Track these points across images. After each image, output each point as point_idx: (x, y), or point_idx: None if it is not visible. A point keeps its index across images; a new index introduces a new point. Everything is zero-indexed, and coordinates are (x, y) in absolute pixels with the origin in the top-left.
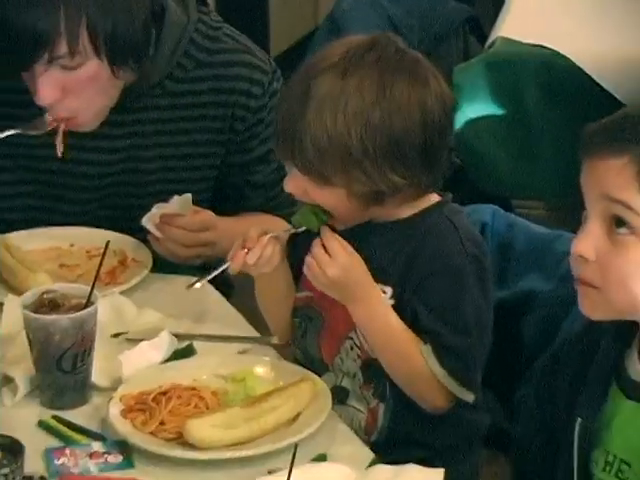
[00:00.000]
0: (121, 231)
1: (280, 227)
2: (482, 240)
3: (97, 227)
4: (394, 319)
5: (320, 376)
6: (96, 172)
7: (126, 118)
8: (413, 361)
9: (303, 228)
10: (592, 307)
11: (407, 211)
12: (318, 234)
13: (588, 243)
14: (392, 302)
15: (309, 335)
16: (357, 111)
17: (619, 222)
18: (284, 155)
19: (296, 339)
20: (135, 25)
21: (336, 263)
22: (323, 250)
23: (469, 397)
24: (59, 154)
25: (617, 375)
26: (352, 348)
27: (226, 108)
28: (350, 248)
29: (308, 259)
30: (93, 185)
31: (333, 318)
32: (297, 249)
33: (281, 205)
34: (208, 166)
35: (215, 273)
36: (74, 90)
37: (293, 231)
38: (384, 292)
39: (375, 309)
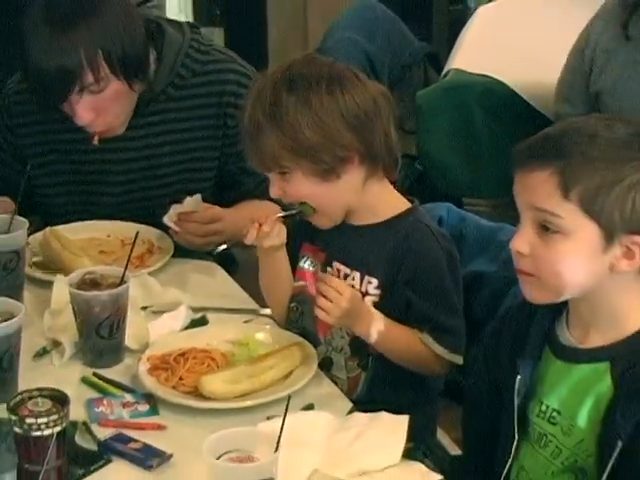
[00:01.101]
0: (146, 222)
1: (272, 210)
2: (449, 235)
3: (127, 218)
4: (389, 324)
5: (315, 346)
6: (121, 169)
7: (139, 122)
8: (415, 348)
9: (294, 211)
10: (533, 293)
11: (386, 213)
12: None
13: (523, 241)
14: (378, 292)
15: (306, 315)
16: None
17: (546, 226)
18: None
19: (293, 320)
20: (137, 43)
21: (345, 297)
22: (331, 289)
23: (460, 361)
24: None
25: (549, 340)
26: (341, 328)
27: (219, 108)
28: (347, 284)
29: (319, 300)
30: (119, 181)
31: None
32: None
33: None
34: (209, 158)
35: (230, 243)
36: (105, 108)
37: (294, 212)
38: (370, 282)
39: (375, 323)
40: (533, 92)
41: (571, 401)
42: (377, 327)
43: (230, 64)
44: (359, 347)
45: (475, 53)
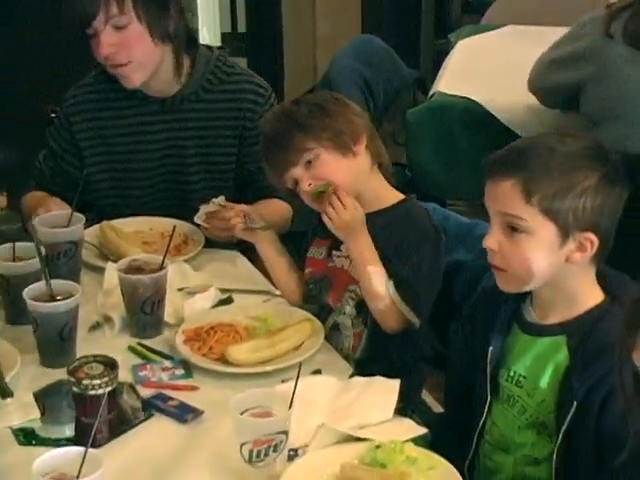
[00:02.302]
0: (181, 217)
1: (282, 209)
2: (437, 221)
3: (159, 208)
4: (375, 254)
5: (328, 316)
6: (151, 157)
7: (173, 117)
8: (381, 287)
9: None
10: (504, 284)
11: (388, 201)
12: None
13: (493, 240)
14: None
15: (323, 291)
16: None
17: (513, 227)
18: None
19: (311, 297)
20: (169, 13)
21: (348, 211)
22: (338, 202)
23: (415, 320)
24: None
25: (517, 318)
26: (351, 297)
27: (239, 112)
28: (356, 202)
29: (328, 209)
30: (151, 174)
31: (338, 279)
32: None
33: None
34: (229, 154)
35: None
36: (125, 45)
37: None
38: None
39: (367, 243)
40: (504, 112)
41: (534, 368)
42: (366, 248)
43: (250, 77)
44: (362, 308)
45: (456, 79)
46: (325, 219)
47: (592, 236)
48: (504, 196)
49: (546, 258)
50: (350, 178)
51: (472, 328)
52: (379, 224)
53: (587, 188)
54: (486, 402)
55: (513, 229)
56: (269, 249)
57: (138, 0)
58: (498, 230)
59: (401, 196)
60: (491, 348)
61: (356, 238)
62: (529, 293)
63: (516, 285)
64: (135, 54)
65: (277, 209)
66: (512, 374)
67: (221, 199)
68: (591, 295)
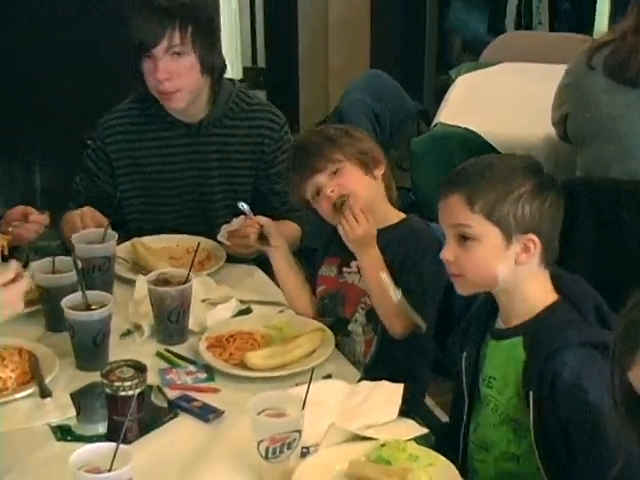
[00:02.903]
0: (205, 235)
1: (292, 229)
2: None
3: (184, 225)
4: (384, 265)
5: (345, 326)
6: (177, 177)
7: (199, 140)
8: (389, 295)
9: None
10: (462, 288)
11: (394, 219)
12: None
13: (449, 252)
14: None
15: (338, 305)
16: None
17: (463, 236)
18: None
19: (328, 310)
20: (216, 49)
21: (362, 225)
22: (352, 218)
23: (422, 324)
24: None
25: (489, 327)
26: (362, 307)
27: (257, 137)
28: (370, 217)
29: (344, 222)
30: (178, 192)
31: (350, 293)
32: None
33: (291, 209)
34: (247, 175)
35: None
36: (179, 73)
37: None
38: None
39: (377, 257)
40: (499, 140)
41: (501, 369)
42: (376, 261)
43: (267, 107)
44: (372, 316)
45: (456, 111)
46: (340, 231)
47: (534, 237)
48: (452, 209)
49: (495, 260)
50: (368, 194)
51: (460, 339)
52: (386, 239)
53: (523, 194)
54: (464, 405)
55: (464, 238)
56: (280, 260)
57: (196, 34)
58: (452, 242)
59: (403, 215)
60: (464, 354)
61: (367, 251)
62: (496, 311)
63: (473, 288)
64: (185, 82)
65: (288, 229)
66: (485, 377)
67: (241, 219)
68: (545, 297)
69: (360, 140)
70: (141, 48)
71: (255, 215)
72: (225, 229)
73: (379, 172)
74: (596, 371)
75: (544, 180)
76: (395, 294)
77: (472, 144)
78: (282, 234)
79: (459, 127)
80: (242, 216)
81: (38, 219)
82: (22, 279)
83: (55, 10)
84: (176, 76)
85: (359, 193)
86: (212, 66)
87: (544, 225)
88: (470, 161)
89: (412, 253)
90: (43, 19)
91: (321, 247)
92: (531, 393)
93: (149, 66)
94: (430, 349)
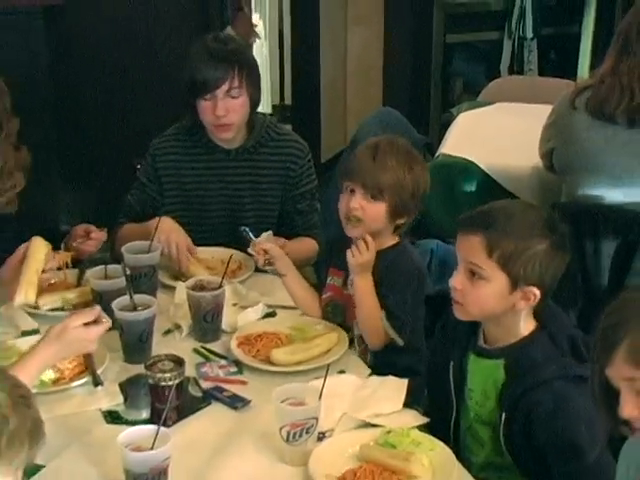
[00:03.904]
0: (236, 248)
1: (309, 247)
2: (422, 262)
3: (218, 238)
4: (372, 293)
5: (347, 332)
6: (215, 194)
7: (234, 164)
8: (375, 315)
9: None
10: (459, 314)
11: (389, 243)
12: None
13: (458, 280)
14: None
15: (339, 314)
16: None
17: (474, 272)
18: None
19: (330, 318)
20: (260, 87)
21: (369, 252)
22: (363, 245)
23: (400, 341)
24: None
25: (472, 342)
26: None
27: (285, 163)
28: (374, 247)
29: (353, 247)
30: (213, 207)
31: (352, 306)
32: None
33: (312, 227)
34: (275, 196)
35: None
36: (233, 110)
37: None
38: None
39: (371, 281)
40: (494, 170)
41: (481, 385)
42: (369, 285)
43: (294, 137)
44: None
45: (457, 144)
46: (348, 254)
47: (535, 290)
48: (471, 248)
49: (495, 301)
50: (380, 228)
51: (440, 347)
52: (383, 262)
53: (538, 252)
54: (452, 407)
55: (474, 274)
56: (288, 278)
57: (249, 76)
58: (463, 273)
59: (397, 239)
60: (452, 363)
61: (364, 275)
62: (480, 324)
63: (467, 316)
64: (238, 117)
65: (305, 247)
66: (466, 388)
67: (270, 234)
68: (526, 327)
69: (407, 189)
70: (203, 90)
71: (275, 234)
72: (253, 243)
73: (400, 220)
74: (570, 405)
75: (557, 239)
76: (382, 316)
77: (471, 173)
78: (300, 251)
79: (459, 158)
80: (269, 232)
81: (98, 236)
82: (102, 323)
83: (119, 55)
84: (232, 112)
85: (373, 227)
86: (257, 103)
87: (547, 280)
88: (494, 204)
89: (396, 280)
90: (105, 61)
91: (323, 260)
92: (503, 414)
93: (208, 104)
94: (425, 351)
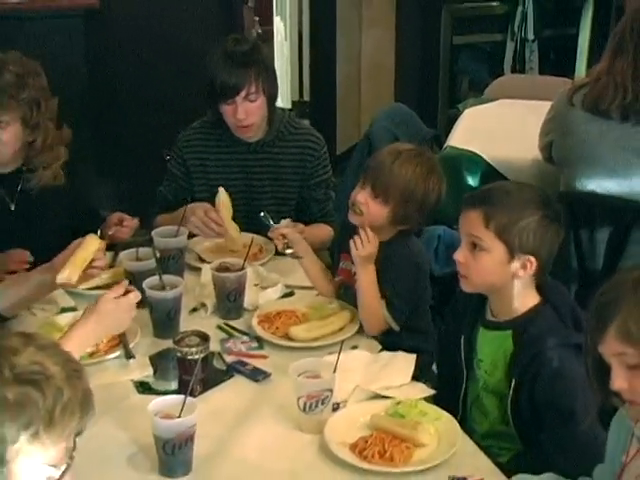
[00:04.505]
0: (258, 232)
1: (324, 233)
2: (422, 249)
3: (238, 223)
4: (374, 283)
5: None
6: (237, 184)
7: (256, 156)
8: (375, 304)
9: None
10: (465, 287)
11: (390, 235)
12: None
13: (461, 254)
14: None
15: (350, 295)
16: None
17: (475, 245)
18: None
19: (344, 298)
20: (276, 86)
21: (370, 245)
22: (365, 238)
23: (395, 327)
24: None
25: (480, 316)
26: None
27: (302, 155)
28: (376, 239)
29: (355, 238)
30: (236, 196)
31: None
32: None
33: (327, 214)
34: (293, 186)
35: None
36: (252, 113)
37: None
38: None
39: (373, 272)
40: (497, 161)
41: (490, 355)
42: (372, 276)
43: (311, 131)
44: None
45: (463, 137)
46: (351, 245)
47: (532, 258)
48: (470, 221)
49: (496, 270)
50: (382, 224)
51: (451, 323)
52: (382, 253)
53: (530, 222)
54: (463, 377)
55: (475, 246)
56: (305, 259)
57: (265, 80)
58: (465, 247)
59: (396, 231)
60: (463, 337)
61: (367, 266)
62: (487, 299)
63: (472, 287)
64: (258, 117)
65: (321, 232)
66: (475, 357)
67: (288, 221)
68: (529, 300)
69: (414, 201)
70: (222, 96)
71: (293, 221)
72: (273, 228)
73: (401, 227)
74: (571, 368)
75: (550, 213)
76: (382, 305)
77: (476, 164)
78: (315, 236)
79: (465, 150)
80: (288, 219)
81: (131, 224)
82: (132, 292)
83: (149, 53)
84: (251, 114)
85: (374, 223)
86: (274, 101)
87: (543, 250)
88: (494, 184)
89: (396, 270)
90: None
91: (336, 245)
92: (513, 381)
93: (229, 108)
94: (432, 330)
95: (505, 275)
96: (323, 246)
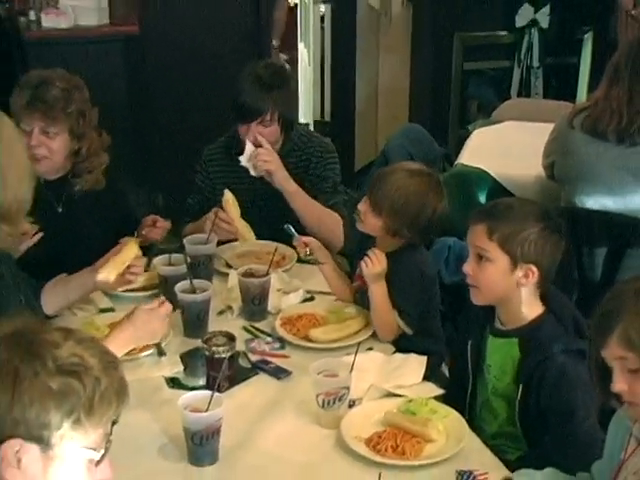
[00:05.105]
0: (279, 240)
1: (335, 217)
2: (428, 259)
3: (262, 232)
4: (387, 295)
5: None
6: (256, 192)
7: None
8: (388, 315)
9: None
10: (475, 298)
11: (394, 247)
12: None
13: (469, 266)
14: None
15: (366, 299)
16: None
17: (481, 257)
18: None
19: (360, 303)
20: (293, 113)
21: (380, 264)
22: (375, 258)
23: (409, 331)
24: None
25: (488, 324)
26: None
27: (310, 159)
28: (384, 258)
29: (365, 259)
30: (254, 204)
31: None
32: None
33: (335, 204)
34: (309, 192)
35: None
36: (266, 135)
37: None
38: None
39: (384, 287)
40: (503, 178)
41: (499, 362)
42: (383, 290)
43: (322, 139)
44: None
45: (472, 156)
46: (362, 265)
47: (534, 268)
48: (476, 234)
49: (501, 279)
50: (370, 224)
51: (460, 329)
52: (390, 265)
53: (531, 233)
54: (469, 381)
55: (480, 258)
56: (325, 266)
57: (284, 110)
58: (472, 259)
59: (399, 242)
60: (470, 342)
61: (378, 282)
62: (494, 310)
63: (482, 299)
64: (270, 141)
65: (332, 220)
66: (484, 364)
67: (292, 230)
68: (534, 309)
69: (405, 218)
70: (240, 118)
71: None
72: (296, 238)
73: (395, 240)
74: (574, 372)
75: (550, 225)
76: (395, 314)
77: (484, 181)
78: (328, 230)
79: (474, 167)
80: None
81: (163, 225)
82: (164, 306)
83: (184, 74)
84: (264, 137)
85: (374, 234)
86: (290, 127)
87: (544, 260)
88: (498, 200)
89: (403, 280)
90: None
91: (356, 251)
92: (521, 385)
93: (244, 128)
94: (442, 334)
95: (510, 284)
96: (331, 235)
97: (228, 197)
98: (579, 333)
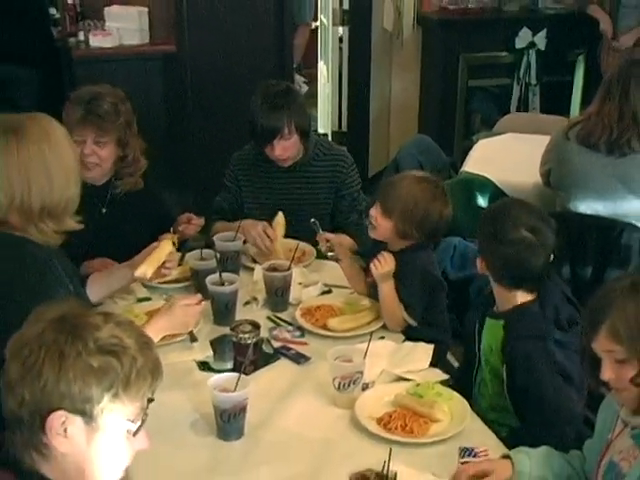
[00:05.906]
0: (300, 238)
1: (346, 240)
2: (431, 258)
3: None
4: (393, 291)
5: None
6: (284, 197)
7: (295, 175)
8: (396, 310)
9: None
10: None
11: (400, 246)
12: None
13: (481, 265)
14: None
15: (378, 293)
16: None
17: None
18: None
19: (373, 296)
20: (309, 124)
21: (387, 264)
22: (382, 258)
23: (413, 323)
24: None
25: (490, 308)
26: None
27: (333, 172)
28: (393, 259)
29: (375, 261)
30: (277, 209)
31: None
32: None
33: (350, 224)
34: (326, 198)
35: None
36: (289, 149)
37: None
38: None
39: (392, 285)
40: (504, 184)
41: (489, 339)
42: (390, 288)
43: (341, 151)
44: None
45: (475, 164)
46: (372, 266)
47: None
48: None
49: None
50: (381, 228)
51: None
52: (398, 264)
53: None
54: (476, 360)
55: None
56: (344, 261)
57: (298, 120)
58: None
59: (409, 243)
60: (477, 326)
61: (386, 281)
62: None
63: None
64: (293, 152)
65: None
66: (483, 343)
67: (317, 225)
68: (523, 297)
69: (414, 220)
70: (262, 140)
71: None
72: (320, 234)
73: (405, 242)
74: (537, 359)
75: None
76: (401, 308)
77: (486, 187)
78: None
79: (477, 175)
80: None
81: (197, 222)
82: (199, 304)
83: (216, 88)
84: (287, 150)
85: (385, 236)
86: (308, 138)
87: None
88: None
89: (408, 277)
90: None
91: (370, 248)
92: (504, 364)
93: (269, 148)
94: (447, 325)
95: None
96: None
97: (280, 220)
98: (557, 325)
